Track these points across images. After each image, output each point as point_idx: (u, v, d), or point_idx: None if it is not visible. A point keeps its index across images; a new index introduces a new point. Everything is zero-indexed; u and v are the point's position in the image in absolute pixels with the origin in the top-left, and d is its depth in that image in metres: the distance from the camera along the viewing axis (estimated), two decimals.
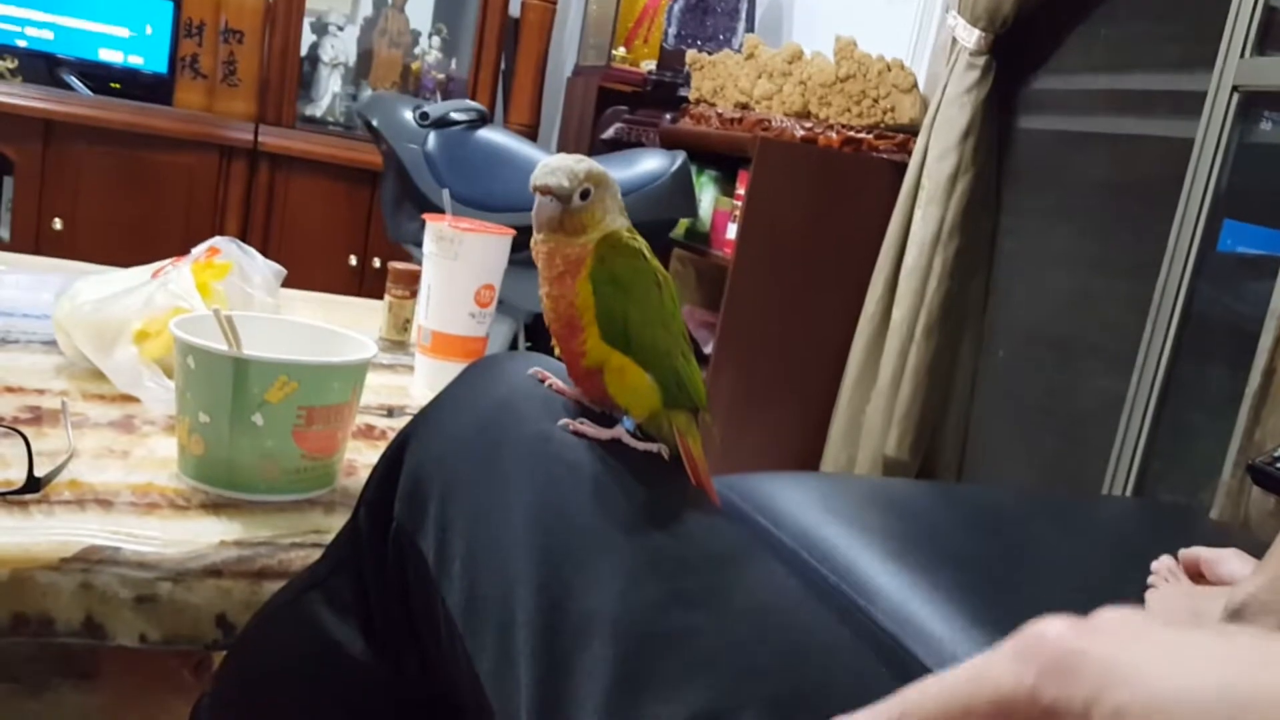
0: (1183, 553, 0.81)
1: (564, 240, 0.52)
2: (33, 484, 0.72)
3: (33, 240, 2.61)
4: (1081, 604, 0.81)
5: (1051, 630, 0.25)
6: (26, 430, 0.76)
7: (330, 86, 3.14)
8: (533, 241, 0.53)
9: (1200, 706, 0.22)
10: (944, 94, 2.03)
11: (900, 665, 0.70)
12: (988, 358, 2.10)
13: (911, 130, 2.15)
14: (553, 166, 0.52)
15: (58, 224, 2.66)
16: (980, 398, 2.11)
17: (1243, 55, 1.57)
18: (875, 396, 2.10)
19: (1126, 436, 1.68)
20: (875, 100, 2.18)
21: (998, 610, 0.74)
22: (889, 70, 2.16)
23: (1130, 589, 0.79)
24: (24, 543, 0.67)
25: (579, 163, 0.52)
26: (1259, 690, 0.22)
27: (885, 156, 2.18)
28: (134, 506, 0.75)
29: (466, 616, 0.47)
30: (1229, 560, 0.77)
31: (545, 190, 0.51)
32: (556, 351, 0.55)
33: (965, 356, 2.10)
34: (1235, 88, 1.58)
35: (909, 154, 2.12)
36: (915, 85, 2.15)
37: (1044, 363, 1.98)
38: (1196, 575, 0.79)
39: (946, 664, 0.69)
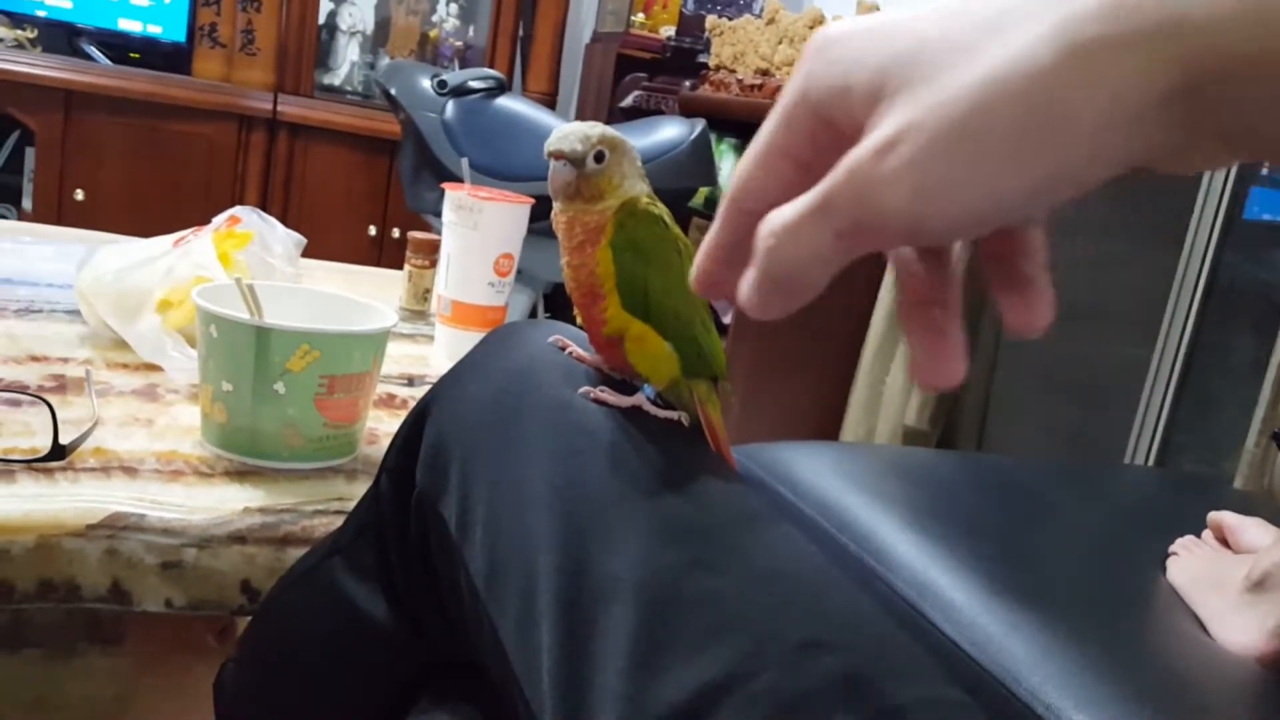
0: (1210, 516, 0.80)
1: (583, 208, 0.52)
2: (58, 451, 0.73)
3: (55, 211, 2.63)
4: (1102, 572, 0.81)
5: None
6: (51, 399, 0.77)
7: (348, 55, 3.13)
8: (553, 213, 0.53)
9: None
10: None
11: (920, 632, 0.70)
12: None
13: None
14: (565, 131, 0.51)
15: (79, 195, 2.67)
16: (1001, 367, 2.10)
17: None
18: (895, 366, 2.09)
19: (1149, 406, 1.67)
20: None
21: (1018, 579, 0.74)
22: None
23: (1151, 557, 0.79)
24: (50, 510, 0.68)
25: (592, 127, 0.52)
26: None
27: None
28: (158, 474, 0.75)
29: (488, 581, 0.48)
30: (1250, 528, 0.77)
31: (558, 155, 0.51)
32: (578, 320, 0.55)
33: (986, 325, 2.09)
34: None
35: None
36: None
37: (1066, 331, 1.96)
38: (1224, 540, 0.79)
39: (965, 631, 0.69)
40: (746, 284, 0.28)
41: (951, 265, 0.29)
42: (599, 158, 0.51)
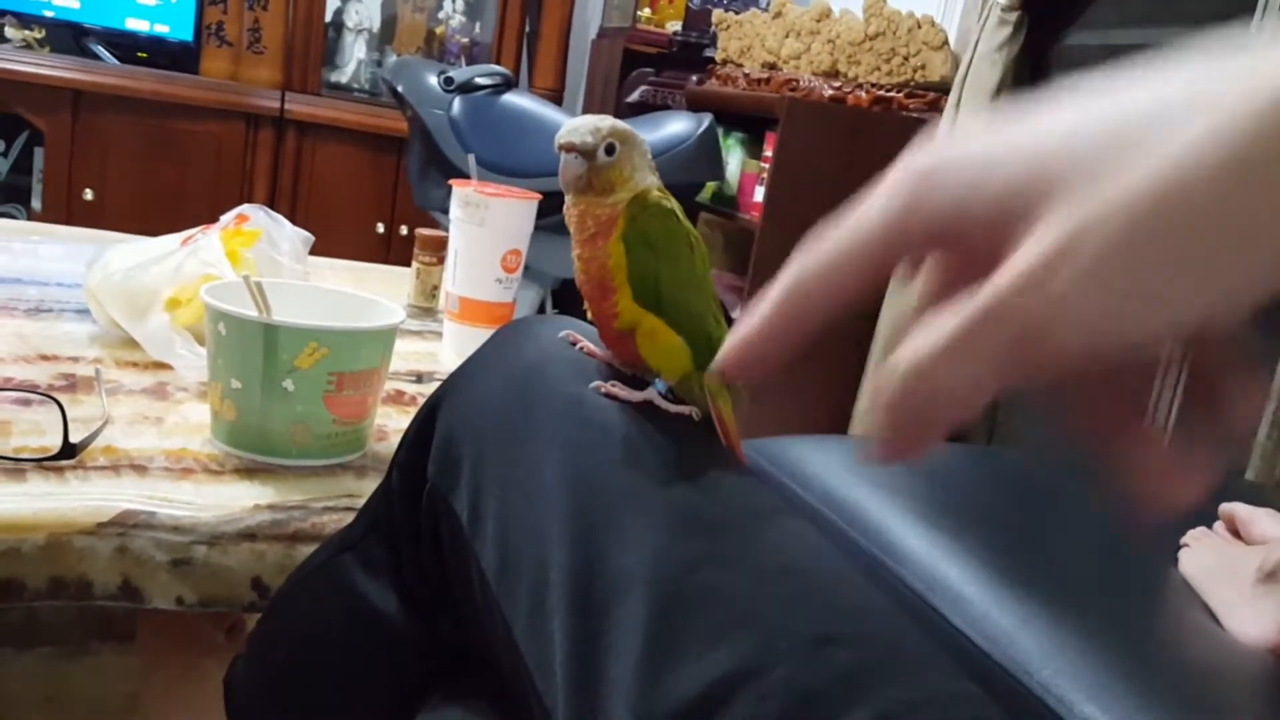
0: (1222, 507, 0.80)
1: (594, 201, 0.52)
2: (68, 450, 0.73)
3: (64, 211, 2.63)
4: (1114, 564, 0.80)
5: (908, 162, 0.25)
6: (61, 398, 0.77)
7: (355, 53, 3.13)
8: (565, 207, 0.53)
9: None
10: (975, 51, 2.00)
11: (931, 626, 0.69)
12: None
13: (942, 88, 2.12)
14: (575, 124, 0.51)
15: (88, 194, 2.67)
16: None
17: None
18: None
19: (1160, 397, 1.67)
20: (905, 58, 2.15)
21: (1028, 571, 0.74)
22: (919, 27, 2.13)
23: (1162, 548, 0.78)
24: (60, 508, 0.68)
25: (602, 120, 0.52)
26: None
27: (915, 115, 2.16)
28: (168, 471, 0.75)
29: (500, 575, 0.48)
30: (1262, 520, 0.77)
31: (569, 147, 0.51)
32: (589, 315, 0.55)
33: None
34: None
35: (940, 113, 2.09)
36: (946, 42, 2.12)
37: None
38: (1235, 532, 0.78)
39: (976, 625, 0.69)
40: (876, 432, 0.25)
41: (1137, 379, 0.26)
42: (609, 150, 0.51)
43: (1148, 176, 0.21)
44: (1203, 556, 0.75)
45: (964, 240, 0.24)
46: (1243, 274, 0.21)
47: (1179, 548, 0.78)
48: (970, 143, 0.25)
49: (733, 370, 0.27)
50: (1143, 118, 0.22)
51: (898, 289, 2.09)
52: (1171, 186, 0.21)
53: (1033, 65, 2.01)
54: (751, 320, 0.27)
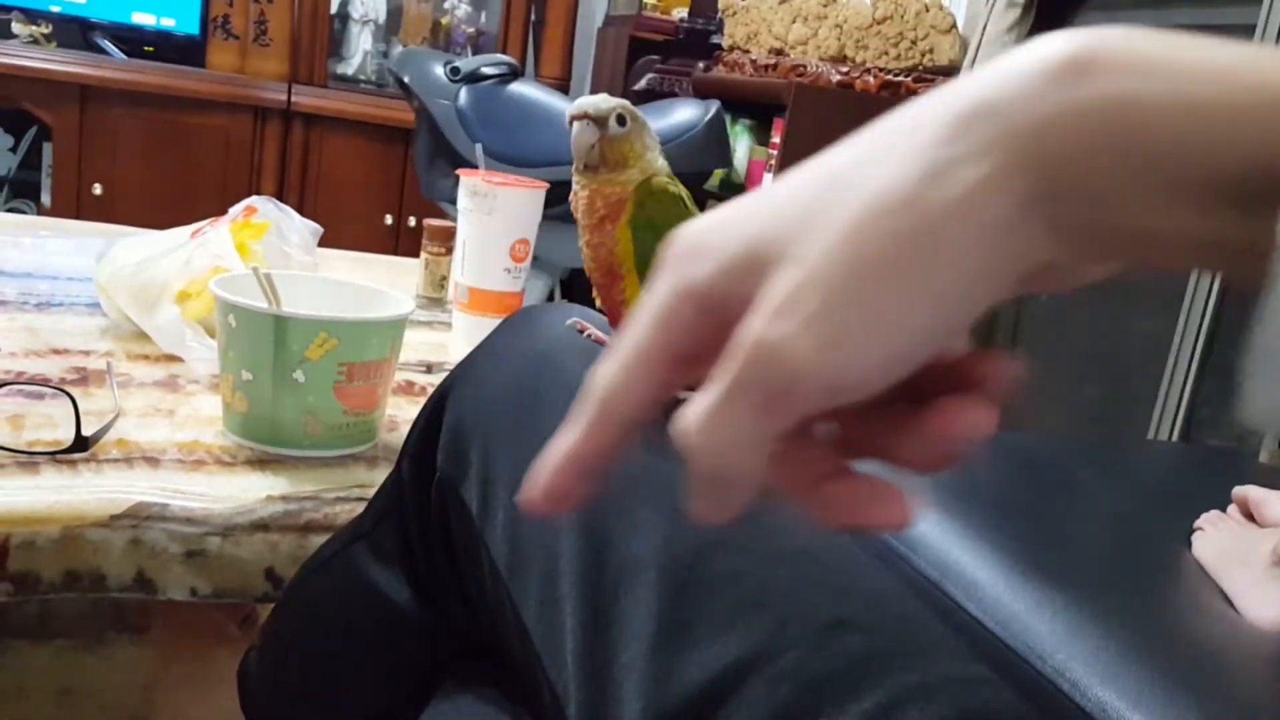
0: (1236, 491, 0.80)
1: (605, 179, 0.52)
2: (81, 443, 0.73)
3: (74, 205, 2.64)
4: (1127, 548, 0.80)
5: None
6: (73, 391, 0.78)
7: (361, 44, 3.12)
8: (572, 192, 0.53)
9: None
10: (984, 34, 1.98)
11: (943, 611, 0.69)
12: (1029, 302, 2.07)
13: (951, 72, 2.11)
14: (587, 97, 0.52)
15: (97, 189, 2.68)
16: (1023, 343, 2.09)
17: None
18: None
19: (1173, 380, 1.66)
20: (913, 42, 2.14)
21: (1042, 556, 0.74)
22: (927, 10, 2.12)
23: (1176, 533, 0.78)
24: (74, 501, 0.68)
25: (612, 97, 0.52)
26: None
27: None
28: (181, 464, 0.76)
29: (511, 564, 0.48)
30: (1276, 502, 0.76)
31: (582, 115, 0.51)
32: (597, 303, 0.55)
33: (1006, 301, 2.08)
34: None
35: None
36: (954, 25, 2.11)
37: (1087, 305, 1.95)
38: (1249, 515, 0.78)
39: (989, 610, 0.69)
40: (691, 494, 0.26)
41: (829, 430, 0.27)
42: (621, 120, 0.51)
43: (848, 216, 0.23)
44: (1216, 540, 0.75)
45: (730, 307, 0.25)
46: (935, 293, 0.22)
47: (1192, 531, 0.77)
48: (718, 213, 0.26)
49: (547, 500, 0.28)
50: (845, 168, 0.24)
51: None
52: (865, 222, 0.23)
53: None
54: (561, 448, 0.28)
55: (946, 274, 0.22)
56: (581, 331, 0.56)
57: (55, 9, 2.76)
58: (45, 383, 0.84)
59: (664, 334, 0.26)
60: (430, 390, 0.58)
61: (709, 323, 0.25)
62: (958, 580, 0.71)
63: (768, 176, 2.19)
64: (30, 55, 2.61)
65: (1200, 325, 1.62)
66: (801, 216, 0.24)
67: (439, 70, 2.18)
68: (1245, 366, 0.22)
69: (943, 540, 0.75)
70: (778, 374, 0.23)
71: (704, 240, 0.25)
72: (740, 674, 0.38)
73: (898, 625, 0.41)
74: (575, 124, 0.51)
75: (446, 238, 1.32)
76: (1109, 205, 0.22)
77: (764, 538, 0.43)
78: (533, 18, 3.18)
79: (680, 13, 3.13)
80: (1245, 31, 1.58)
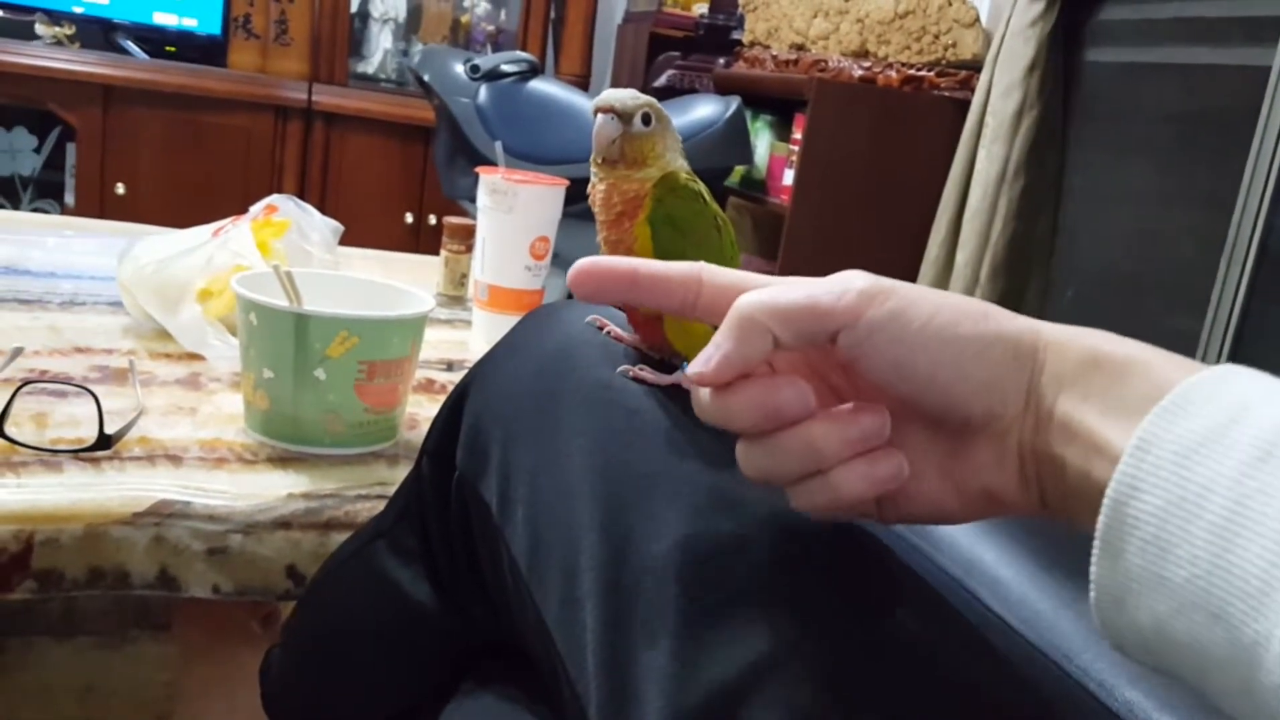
0: None
1: (624, 175, 0.51)
2: (104, 441, 0.73)
3: (97, 205, 2.66)
4: None
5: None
6: (96, 389, 0.78)
7: (381, 43, 3.13)
8: (590, 185, 0.52)
9: None
10: (1007, 27, 1.97)
11: (967, 609, 0.69)
12: (1056, 299, 2.05)
13: (974, 66, 2.09)
14: (614, 91, 0.52)
15: (120, 189, 2.70)
16: None
17: None
18: None
19: None
20: (936, 36, 2.13)
21: (1066, 554, 0.73)
22: (950, 4, 2.10)
23: None
24: (97, 498, 0.68)
25: (641, 94, 0.52)
26: None
27: (947, 94, 2.13)
28: (203, 461, 0.76)
29: (531, 562, 0.48)
30: None
31: (607, 108, 0.50)
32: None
33: (1033, 298, 2.06)
34: None
35: (971, 91, 2.07)
36: (977, 19, 2.09)
37: (1114, 303, 1.93)
38: None
39: (1014, 609, 0.68)
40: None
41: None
42: (645, 120, 0.51)
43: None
44: None
45: None
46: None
47: None
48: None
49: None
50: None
51: (929, 271, 2.07)
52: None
53: (1066, 41, 1.98)
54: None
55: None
56: (601, 329, 0.55)
57: (78, 10, 2.79)
58: (68, 381, 0.84)
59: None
60: (450, 388, 0.57)
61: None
62: (981, 578, 0.70)
63: (789, 172, 2.18)
64: (54, 56, 2.63)
65: (1228, 322, 1.60)
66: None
67: (459, 68, 2.18)
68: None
69: (966, 537, 0.74)
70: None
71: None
72: (762, 672, 0.38)
73: (920, 626, 0.41)
74: (599, 116, 0.51)
75: (466, 236, 1.32)
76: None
77: (785, 539, 0.43)
78: (552, 15, 3.18)
79: (700, 8, 3.12)
80: (1273, 24, 1.56)
